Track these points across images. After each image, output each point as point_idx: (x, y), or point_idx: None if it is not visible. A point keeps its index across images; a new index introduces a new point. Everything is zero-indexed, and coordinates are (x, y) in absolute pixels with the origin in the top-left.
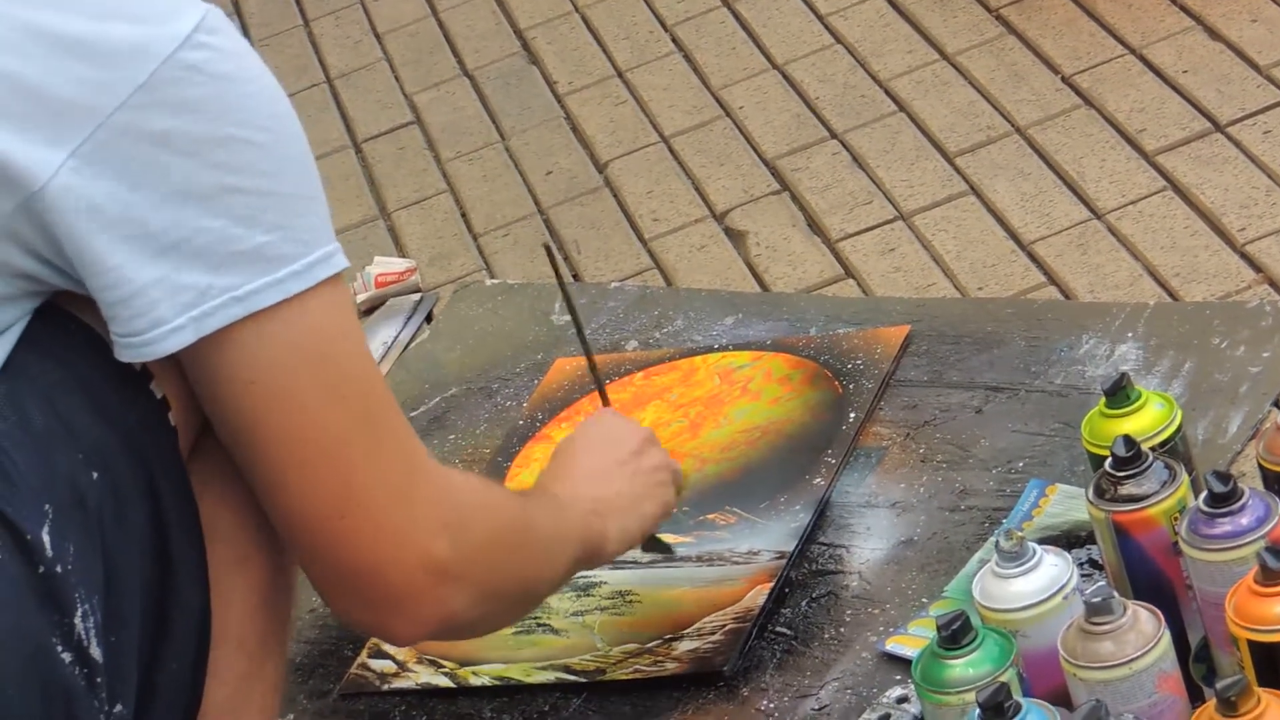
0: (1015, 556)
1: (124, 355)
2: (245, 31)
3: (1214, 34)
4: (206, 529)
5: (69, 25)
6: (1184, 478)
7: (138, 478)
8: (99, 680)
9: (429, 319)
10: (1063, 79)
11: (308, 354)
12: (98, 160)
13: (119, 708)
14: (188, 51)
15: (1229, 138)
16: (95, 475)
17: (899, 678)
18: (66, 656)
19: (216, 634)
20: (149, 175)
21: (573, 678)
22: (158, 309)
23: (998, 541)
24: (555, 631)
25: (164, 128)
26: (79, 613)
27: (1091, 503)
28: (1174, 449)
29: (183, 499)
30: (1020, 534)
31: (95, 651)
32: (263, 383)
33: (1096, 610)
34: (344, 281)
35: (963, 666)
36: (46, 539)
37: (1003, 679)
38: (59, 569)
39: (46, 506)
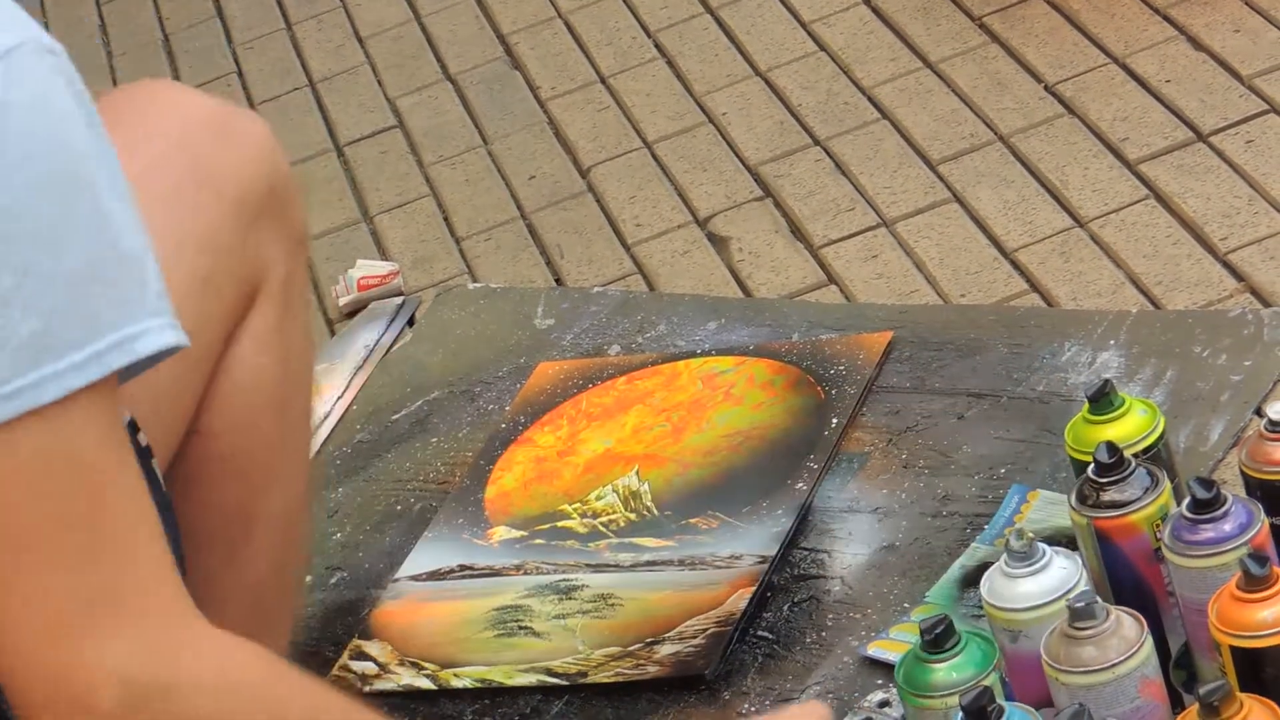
0: (1025, 557)
1: None
2: (228, 36)
3: (1197, 44)
4: (191, 535)
5: None
6: (1166, 484)
7: None
8: None
9: (411, 322)
10: (1045, 88)
11: (47, 463)
12: None
13: None
14: None
15: (1211, 147)
16: None
17: (880, 682)
18: None
19: None
20: None
21: (554, 680)
22: None
23: (1009, 541)
24: (537, 634)
25: None
26: None
27: (1074, 509)
28: (1157, 456)
29: (165, 513)
30: (1031, 535)
31: None
32: None
33: (1079, 615)
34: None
35: (946, 670)
36: None
37: (986, 683)
38: None
39: None
